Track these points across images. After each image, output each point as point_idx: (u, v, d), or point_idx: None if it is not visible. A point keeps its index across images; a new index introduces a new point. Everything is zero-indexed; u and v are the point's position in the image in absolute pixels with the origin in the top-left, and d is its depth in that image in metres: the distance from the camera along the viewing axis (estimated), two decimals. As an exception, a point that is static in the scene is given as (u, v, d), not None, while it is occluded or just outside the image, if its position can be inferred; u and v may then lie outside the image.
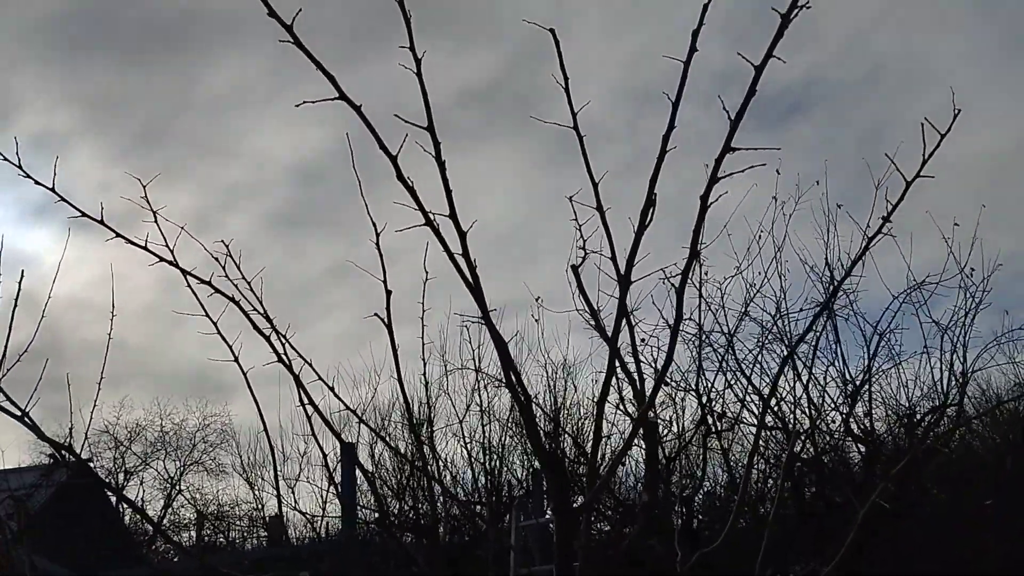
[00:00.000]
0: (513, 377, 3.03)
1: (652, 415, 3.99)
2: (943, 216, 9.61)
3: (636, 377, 3.69)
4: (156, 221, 3.75)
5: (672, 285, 2.91)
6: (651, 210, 3.15)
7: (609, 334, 3.49)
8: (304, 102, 2.50)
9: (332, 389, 3.52)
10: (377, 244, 3.89)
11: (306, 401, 3.35)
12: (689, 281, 3.17)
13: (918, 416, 10.38)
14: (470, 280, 2.90)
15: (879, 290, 10.19)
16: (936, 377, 10.12)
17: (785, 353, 9.91)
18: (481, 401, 13.26)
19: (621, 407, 9.74)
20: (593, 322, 4.06)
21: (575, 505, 3.22)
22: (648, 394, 3.38)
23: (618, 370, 3.70)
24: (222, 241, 3.99)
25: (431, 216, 2.81)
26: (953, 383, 9.99)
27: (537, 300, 10.79)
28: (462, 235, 3.06)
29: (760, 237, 10.01)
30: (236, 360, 3.96)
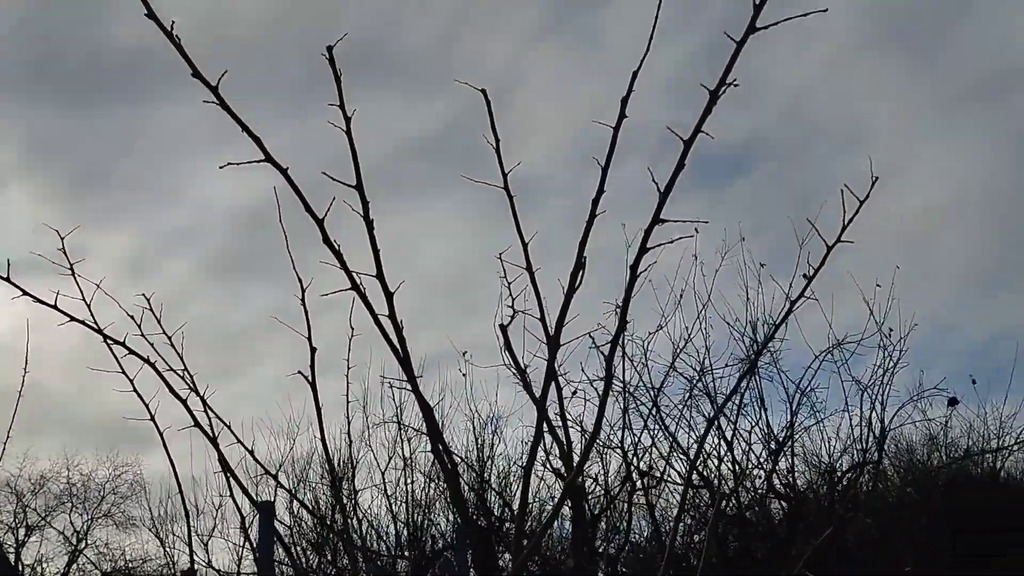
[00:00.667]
0: (440, 446, 2.97)
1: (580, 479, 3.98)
2: (874, 272, 9.93)
3: (564, 439, 3.67)
4: (73, 274, 3.62)
5: (600, 353, 2.89)
6: (580, 273, 3.15)
7: (537, 395, 3.46)
8: (228, 164, 2.44)
9: (251, 452, 3.41)
10: (303, 301, 3.81)
11: (222, 468, 3.23)
12: (610, 351, 3.17)
13: (839, 472, 10.55)
14: (397, 347, 2.85)
15: (801, 348, 10.40)
16: (856, 434, 10.34)
17: (711, 411, 10.01)
18: (403, 453, 13.07)
19: (548, 465, 9.68)
20: (520, 381, 4.04)
21: None
22: (577, 461, 3.34)
23: (545, 432, 3.67)
24: (143, 294, 3.86)
25: (358, 280, 2.75)
26: (872, 440, 10.22)
27: (464, 354, 10.76)
28: (389, 297, 3.00)
29: (684, 293, 10.15)
30: (152, 419, 3.82)
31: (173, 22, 2.30)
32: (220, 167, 2.39)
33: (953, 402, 10.69)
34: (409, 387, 2.89)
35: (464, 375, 11.83)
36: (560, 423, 3.81)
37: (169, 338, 3.81)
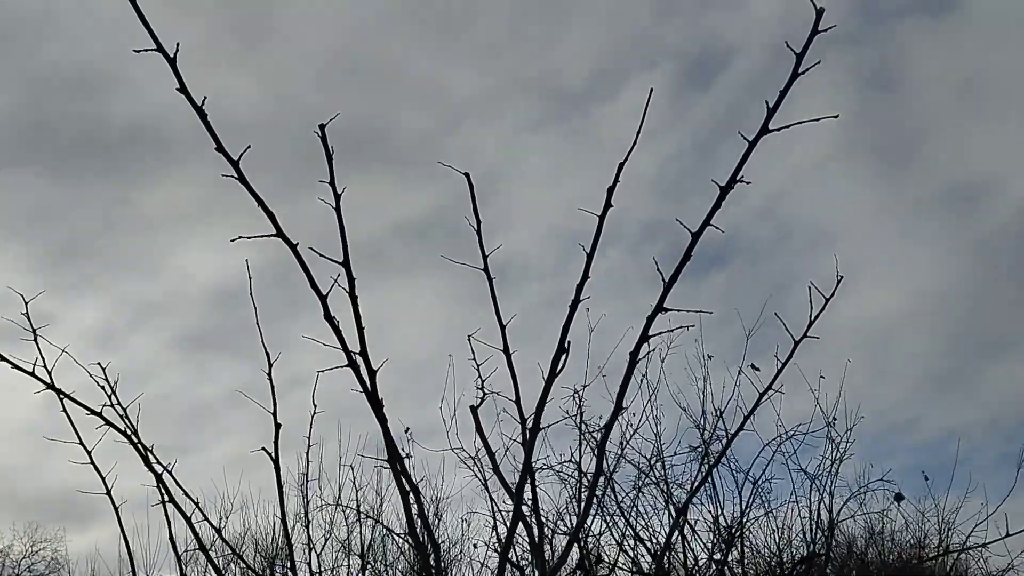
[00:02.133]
0: (420, 527, 2.90)
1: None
2: (830, 367, 10.12)
3: (535, 528, 3.61)
4: (36, 340, 3.54)
5: (593, 438, 2.88)
6: (563, 357, 3.16)
7: (511, 484, 3.42)
8: (240, 237, 2.43)
9: (219, 532, 3.30)
10: (269, 375, 3.76)
11: (200, 548, 3.11)
12: (602, 439, 3.17)
13: (787, 566, 10.52)
14: (383, 426, 2.81)
15: (750, 437, 10.47)
16: (805, 526, 10.35)
17: (663, 497, 9.96)
18: (340, 534, 12.70)
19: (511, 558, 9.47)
20: (491, 465, 3.98)
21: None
22: (558, 557, 3.28)
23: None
24: (98, 364, 3.77)
25: (353, 356, 2.73)
26: (819, 533, 10.24)
27: (407, 431, 10.62)
28: (372, 374, 2.97)
29: (643, 381, 10.17)
30: (108, 493, 3.70)
31: (204, 98, 2.31)
32: (232, 240, 2.37)
33: (899, 498, 10.76)
34: (390, 467, 2.84)
35: (408, 456, 11.61)
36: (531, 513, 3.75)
37: (125, 410, 3.72)
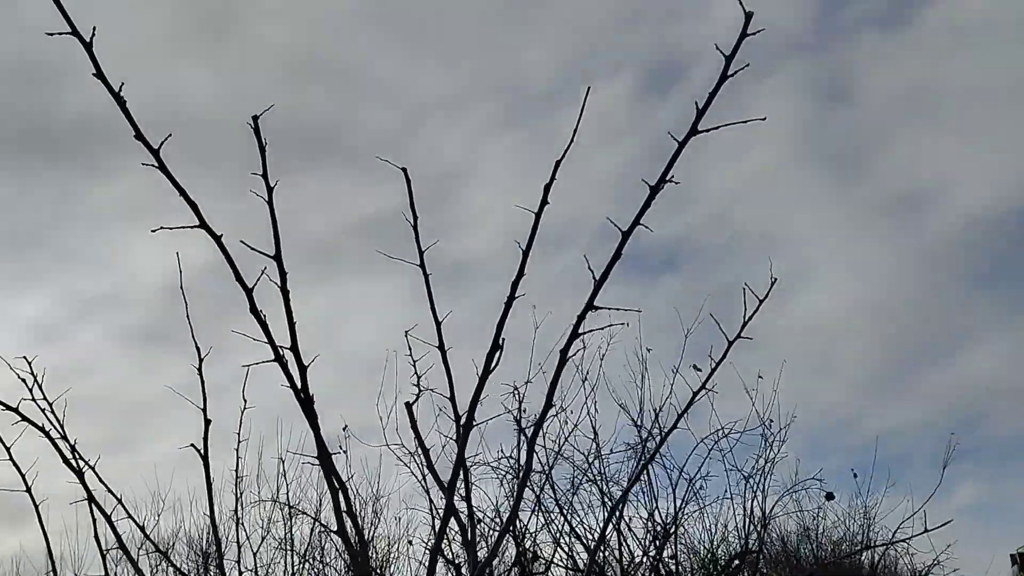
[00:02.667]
0: (349, 524, 2.87)
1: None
2: (767, 367, 10.29)
3: (467, 524, 3.60)
4: (-47, 333, 3.42)
5: (524, 434, 2.88)
6: (498, 354, 3.15)
7: (444, 480, 3.40)
8: (161, 228, 2.37)
9: (143, 529, 3.22)
10: (199, 371, 3.70)
11: (120, 548, 3.04)
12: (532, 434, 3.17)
13: (722, 562, 10.68)
14: (311, 422, 2.77)
15: (684, 434, 10.59)
16: (738, 523, 10.52)
17: (600, 495, 10.04)
18: (277, 532, 12.56)
19: (442, 552, 9.45)
20: (425, 461, 3.97)
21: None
22: (489, 551, 3.28)
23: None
24: (24, 357, 3.67)
25: (280, 351, 2.69)
26: (753, 529, 10.41)
27: (344, 429, 10.56)
28: (302, 369, 2.93)
29: (586, 376, 10.23)
30: (28, 491, 3.59)
31: (122, 84, 2.25)
32: (152, 231, 2.31)
33: (830, 496, 11.01)
34: (319, 464, 2.80)
35: (344, 452, 11.54)
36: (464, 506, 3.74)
37: (51, 405, 3.63)
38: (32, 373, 3.65)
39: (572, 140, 3.07)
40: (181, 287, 3.54)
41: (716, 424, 10.30)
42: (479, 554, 3.62)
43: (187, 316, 3.63)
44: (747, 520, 10.44)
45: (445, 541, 8.85)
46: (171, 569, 13.17)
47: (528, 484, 10.05)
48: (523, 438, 9.91)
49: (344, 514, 2.85)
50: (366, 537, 12.51)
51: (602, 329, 2.81)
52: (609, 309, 2.70)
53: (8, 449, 3.47)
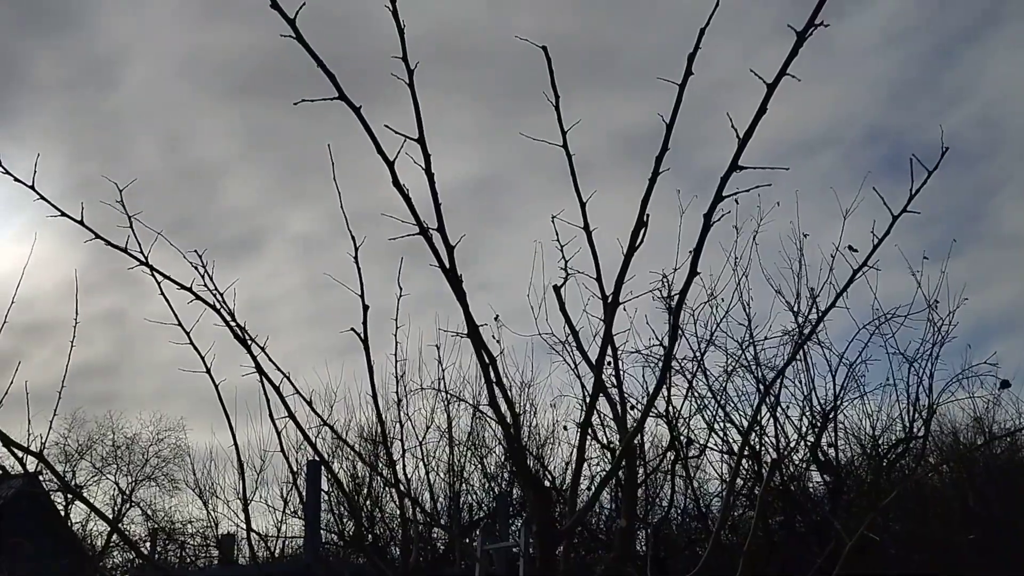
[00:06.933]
0: (499, 393, 2.96)
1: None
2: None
3: (618, 402, 3.64)
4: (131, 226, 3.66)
5: (668, 306, 2.86)
6: (642, 231, 3.12)
7: (592, 359, 3.44)
8: (303, 100, 2.44)
9: (309, 403, 3.44)
10: (356, 258, 3.82)
11: (285, 414, 3.26)
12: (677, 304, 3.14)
13: (883, 449, 10.43)
14: (459, 298, 2.84)
15: (845, 319, 10.22)
16: (901, 410, 10.18)
17: (755, 381, 9.92)
18: (441, 423, 13.11)
19: (591, 434, 9.67)
20: (575, 343, 4.02)
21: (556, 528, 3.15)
22: (636, 422, 3.32)
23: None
24: (195, 251, 3.90)
25: (425, 227, 2.75)
26: (917, 417, 10.05)
27: (496, 319, 10.78)
28: (449, 249, 2.99)
29: (738, 261, 10.00)
30: (208, 371, 3.86)
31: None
32: (294, 103, 2.38)
33: (1005, 384, 10.37)
34: (469, 336, 2.88)
35: (497, 341, 11.82)
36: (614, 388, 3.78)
37: (221, 294, 3.84)
38: (203, 265, 3.88)
39: (717, 4, 2.94)
40: (334, 179, 3.63)
41: (878, 309, 9.91)
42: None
43: (340, 206, 3.74)
44: (911, 408, 10.08)
45: (597, 423, 9.02)
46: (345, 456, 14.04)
47: (680, 369, 10.05)
48: (671, 320, 9.90)
49: (495, 385, 2.93)
50: (520, 420, 12.88)
51: (747, 191, 2.71)
52: (754, 168, 2.60)
53: (188, 333, 3.72)
